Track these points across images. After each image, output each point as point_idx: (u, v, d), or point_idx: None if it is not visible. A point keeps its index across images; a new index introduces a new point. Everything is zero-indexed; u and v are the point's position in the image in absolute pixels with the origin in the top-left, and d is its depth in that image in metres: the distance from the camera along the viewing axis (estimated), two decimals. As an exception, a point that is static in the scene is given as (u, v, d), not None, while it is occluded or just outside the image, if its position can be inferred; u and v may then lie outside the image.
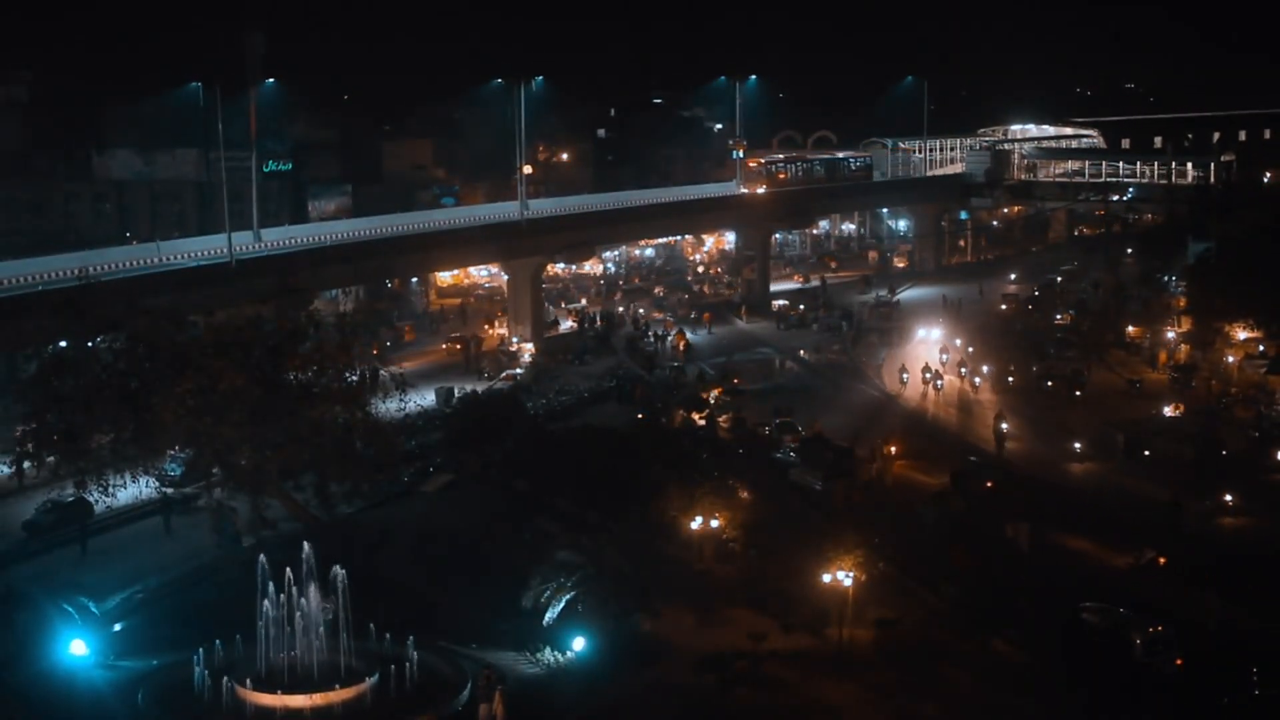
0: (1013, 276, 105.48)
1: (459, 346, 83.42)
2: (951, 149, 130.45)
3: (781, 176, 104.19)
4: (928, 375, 73.07)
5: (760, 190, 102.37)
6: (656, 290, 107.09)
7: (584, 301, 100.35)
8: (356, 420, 47.43)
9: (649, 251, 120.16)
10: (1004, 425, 62.51)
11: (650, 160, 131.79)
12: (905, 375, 74.03)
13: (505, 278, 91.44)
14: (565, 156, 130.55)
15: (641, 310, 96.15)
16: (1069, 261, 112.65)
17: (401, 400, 52.63)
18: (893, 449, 58.00)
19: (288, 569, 35.54)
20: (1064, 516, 50.53)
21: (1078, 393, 69.97)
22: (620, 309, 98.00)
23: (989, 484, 53.11)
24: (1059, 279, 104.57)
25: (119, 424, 45.35)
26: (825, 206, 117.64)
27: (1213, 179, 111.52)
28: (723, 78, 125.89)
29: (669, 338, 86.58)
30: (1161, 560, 46.33)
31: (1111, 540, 48.54)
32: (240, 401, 44.77)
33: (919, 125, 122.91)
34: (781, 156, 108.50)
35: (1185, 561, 46.23)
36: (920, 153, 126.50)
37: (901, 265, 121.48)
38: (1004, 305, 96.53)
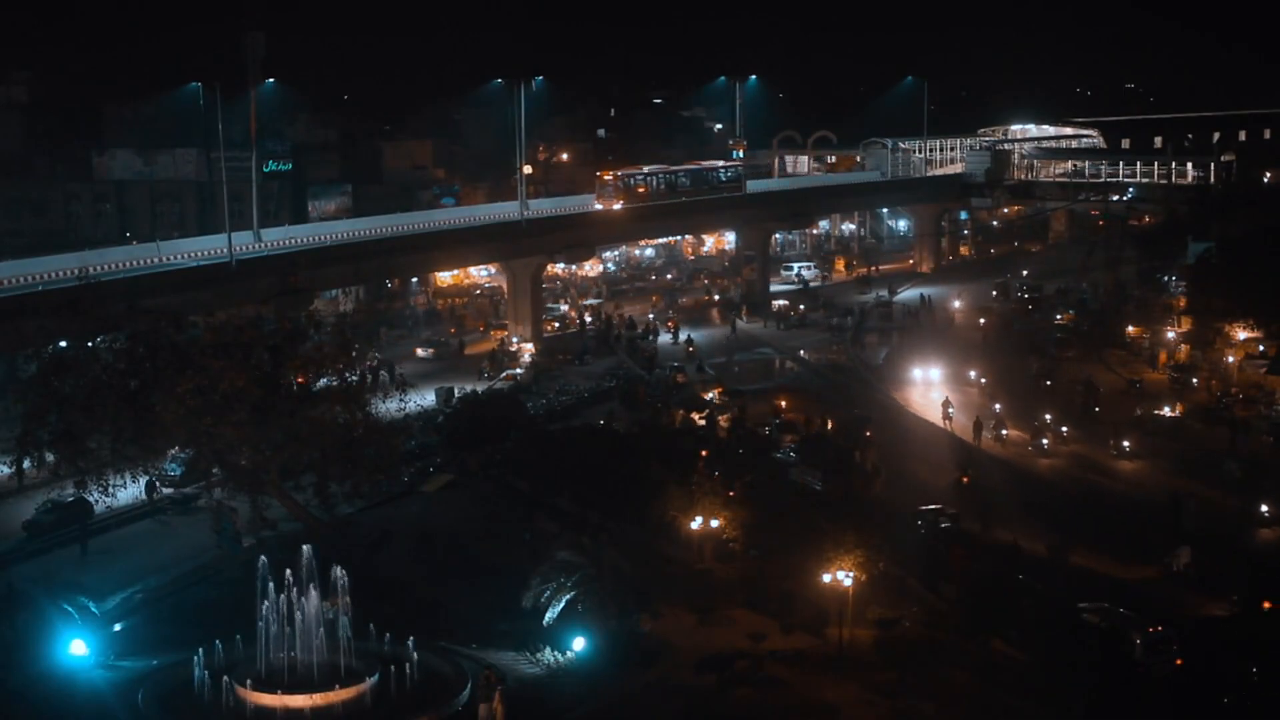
0: (957, 304, 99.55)
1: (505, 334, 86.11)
2: (951, 149, 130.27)
3: (641, 190, 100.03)
4: (987, 431, 63.16)
5: (617, 206, 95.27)
6: (675, 286, 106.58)
7: (564, 306, 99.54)
8: (356, 420, 47.46)
9: (649, 251, 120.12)
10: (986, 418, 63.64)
11: (650, 160, 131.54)
12: (951, 410, 66.00)
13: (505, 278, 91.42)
14: (565, 156, 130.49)
15: (653, 315, 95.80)
16: (1006, 272, 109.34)
17: (401, 400, 52.65)
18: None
19: (288, 569, 35.55)
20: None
21: (1097, 408, 67.49)
22: (617, 306, 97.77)
23: (868, 432, 61.66)
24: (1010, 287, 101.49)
25: (119, 424, 45.33)
26: (826, 206, 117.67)
27: (1213, 179, 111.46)
28: (723, 78, 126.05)
29: (667, 336, 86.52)
30: (965, 479, 54.87)
31: (941, 468, 57.75)
32: (240, 401, 44.80)
33: (919, 125, 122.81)
34: (643, 170, 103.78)
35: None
36: (920, 153, 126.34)
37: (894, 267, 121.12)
38: (982, 320, 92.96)
